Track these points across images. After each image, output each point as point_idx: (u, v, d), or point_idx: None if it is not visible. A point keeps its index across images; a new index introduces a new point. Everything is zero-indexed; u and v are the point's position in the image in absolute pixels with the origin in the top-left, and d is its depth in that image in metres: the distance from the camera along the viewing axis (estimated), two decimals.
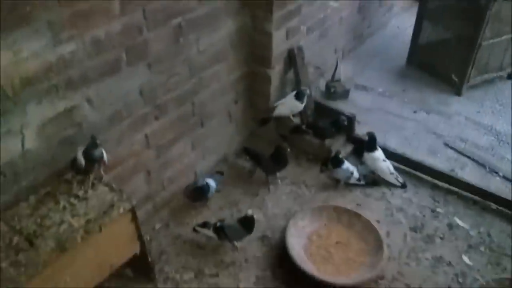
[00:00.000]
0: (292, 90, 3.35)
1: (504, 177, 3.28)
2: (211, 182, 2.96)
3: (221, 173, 3.18)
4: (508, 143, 3.57)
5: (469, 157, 3.45)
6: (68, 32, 2.00)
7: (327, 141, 3.35)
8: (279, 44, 3.16)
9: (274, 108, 3.28)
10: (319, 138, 3.36)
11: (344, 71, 4.17)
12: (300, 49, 3.35)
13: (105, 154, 2.20)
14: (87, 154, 2.15)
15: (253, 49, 3.16)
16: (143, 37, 2.36)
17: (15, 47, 1.82)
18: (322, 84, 4.09)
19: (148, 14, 2.32)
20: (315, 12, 3.68)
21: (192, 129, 2.98)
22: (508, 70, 4.19)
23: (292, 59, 3.33)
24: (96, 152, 2.17)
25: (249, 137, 3.55)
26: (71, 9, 1.97)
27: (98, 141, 2.15)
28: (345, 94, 4.01)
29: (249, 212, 2.68)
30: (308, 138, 3.39)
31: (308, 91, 3.26)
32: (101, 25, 2.13)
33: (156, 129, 2.69)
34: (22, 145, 2.01)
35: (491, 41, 3.83)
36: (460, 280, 2.64)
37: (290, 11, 3.10)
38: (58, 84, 2.05)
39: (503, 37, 3.86)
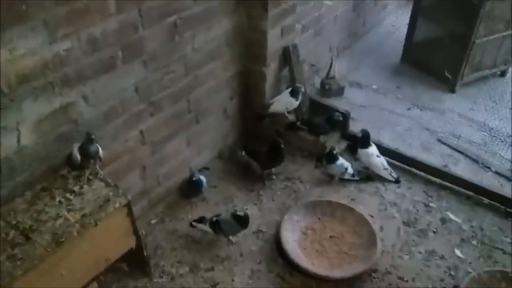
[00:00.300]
0: (287, 87, 3.39)
1: (497, 173, 3.33)
2: (202, 178, 3.00)
3: (207, 168, 3.21)
4: (500, 139, 3.61)
5: (462, 153, 3.49)
6: (64, 30, 2.02)
7: (322, 138, 3.39)
8: (274, 42, 3.19)
9: (269, 105, 3.31)
10: (314, 135, 3.40)
11: (339, 69, 4.21)
12: (295, 47, 3.38)
13: (100, 150, 2.24)
14: (83, 150, 2.19)
15: (249, 47, 3.19)
16: (138, 35, 2.39)
17: (11, 45, 1.85)
18: (317, 81, 4.13)
19: (144, 12, 2.35)
20: (310, 10, 3.71)
21: (187, 126, 3.01)
22: (501, 68, 4.23)
23: (287, 57, 3.35)
24: (92, 148, 2.20)
25: (244, 133, 3.58)
26: (67, 7, 1.99)
27: (93, 137, 2.17)
28: (339, 91, 4.04)
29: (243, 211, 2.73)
30: (303, 135, 3.43)
31: (303, 88, 3.29)
32: (97, 23, 2.15)
33: (151, 126, 2.72)
34: (18, 141, 2.03)
35: (484, 39, 3.87)
36: (452, 273, 2.68)
37: (285, 10, 3.13)
38: (54, 81, 2.07)
39: (496, 35, 3.90)
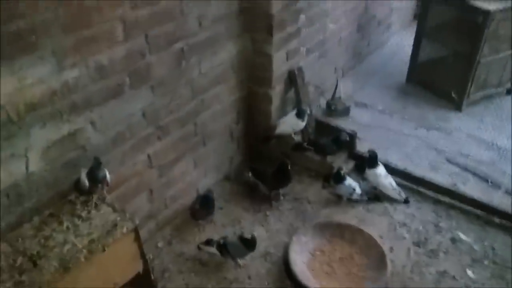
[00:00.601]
0: (293, 109, 3.41)
1: (506, 192, 3.29)
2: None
3: (210, 191, 3.20)
4: (509, 158, 3.58)
5: (471, 172, 3.46)
6: (72, 58, 2.06)
7: (329, 158, 3.39)
8: (280, 66, 3.22)
9: (275, 127, 3.33)
10: (321, 155, 3.40)
11: (344, 89, 4.24)
12: (300, 69, 3.41)
13: (108, 175, 2.26)
14: (91, 175, 2.21)
15: (254, 71, 3.22)
16: (146, 61, 2.43)
17: (20, 74, 1.88)
18: (322, 102, 4.15)
19: (151, 39, 2.40)
20: (315, 33, 3.76)
21: (194, 149, 3.03)
22: (507, 86, 4.23)
23: (292, 79, 3.38)
24: (100, 173, 2.22)
25: (250, 155, 3.60)
26: (75, 37, 2.03)
27: (100, 161, 2.20)
28: (345, 112, 4.06)
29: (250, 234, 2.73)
30: (310, 155, 3.43)
31: (308, 110, 3.31)
32: (104, 51, 2.19)
33: (158, 149, 2.74)
34: (26, 168, 2.05)
35: (489, 58, 3.87)
36: None
37: (290, 34, 3.17)
38: (62, 109, 2.10)
39: (501, 54, 3.91)
